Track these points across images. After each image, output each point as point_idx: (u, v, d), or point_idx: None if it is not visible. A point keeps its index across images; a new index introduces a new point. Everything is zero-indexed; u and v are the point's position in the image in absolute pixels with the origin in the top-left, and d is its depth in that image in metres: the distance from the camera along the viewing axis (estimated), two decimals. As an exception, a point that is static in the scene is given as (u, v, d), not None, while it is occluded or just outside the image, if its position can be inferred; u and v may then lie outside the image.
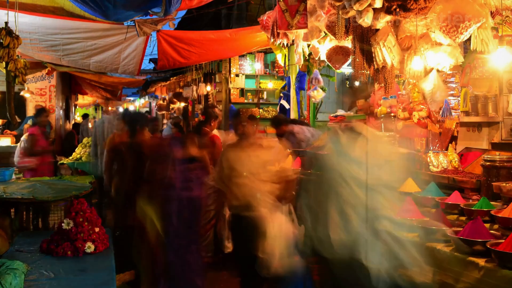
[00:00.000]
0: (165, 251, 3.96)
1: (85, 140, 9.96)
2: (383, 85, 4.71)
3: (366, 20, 3.83)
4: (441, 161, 4.05)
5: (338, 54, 5.57)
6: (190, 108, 16.32)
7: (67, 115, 14.48)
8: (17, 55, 5.45)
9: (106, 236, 3.52)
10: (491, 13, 3.89)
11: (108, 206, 9.69)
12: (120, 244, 4.17)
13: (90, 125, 12.07)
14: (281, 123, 6.39)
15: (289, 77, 8.58)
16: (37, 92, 11.92)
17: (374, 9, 3.85)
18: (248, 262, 3.84)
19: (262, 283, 3.96)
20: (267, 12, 5.97)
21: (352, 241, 2.96)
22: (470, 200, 3.50)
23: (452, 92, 4.66)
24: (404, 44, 4.57)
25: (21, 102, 11.42)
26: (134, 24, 6.79)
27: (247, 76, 12.33)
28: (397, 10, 3.76)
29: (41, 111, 7.80)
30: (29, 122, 10.93)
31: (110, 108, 11.25)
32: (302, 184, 4.34)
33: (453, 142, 4.42)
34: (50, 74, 11.94)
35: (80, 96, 17.82)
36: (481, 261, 2.68)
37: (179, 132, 8.36)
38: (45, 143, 7.38)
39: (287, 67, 8.65)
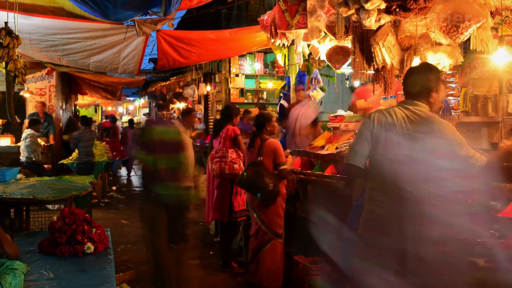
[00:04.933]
0: None
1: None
2: (382, 85, 4.71)
3: (372, 21, 3.82)
4: (441, 161, 4.05)
5: (338, 54, 5.56)
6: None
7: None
8: (17, 55, 5.45)
9: (106, 236, 3.52)
10: (491, 13, 3.89)
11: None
12: None
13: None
14: None
15: (289, 77, 8.57)
16: (37, 92, 11.92)
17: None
18: None
19: None
20: (267, 12, 5.97)
21: None
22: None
23: (452, 92, 4.66)
24: (404, 44, 4.57)
25: (21, 102, 11.42)
26: (133, 24, 6.78)
27: (247, 76, 12.34)
28: (397, 10, 3.76)
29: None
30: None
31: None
32: None
33: (453, 142, 4.41)
34: (50, 74, 11.94)
35: (80, 96, 17.83)
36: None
37: None
38: None
39: (287, 67, 8.64)
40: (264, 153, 4.92)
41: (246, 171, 4.90)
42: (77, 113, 14.88)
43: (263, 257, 4.91)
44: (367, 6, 3.63)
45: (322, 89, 7.74)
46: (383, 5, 3.69)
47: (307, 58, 7.56)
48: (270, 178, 4.80)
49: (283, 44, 5.95)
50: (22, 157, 8.91)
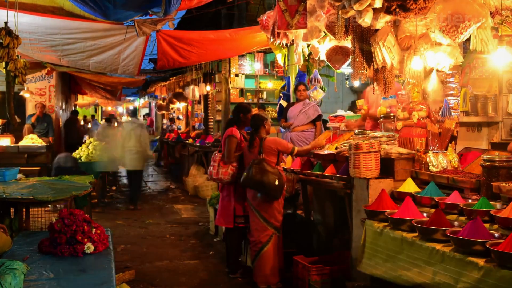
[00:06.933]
0: None
1: (87, 140, 9.96)
2: (382, 85, 4.71)
3: (366, 20, 3.83)
4: (441, 161, 4.05)
5: (337, 54, 5.57)
6: (190, 108, 16.33)
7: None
8: (17, 55, 5.45)
9: (106, 236, 3.52)
10: (491, 13, 3.89)
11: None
12: None
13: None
14: None
15: (289, 77, 8.58)
16: (37, 92, 11.94)
17: (374, 9, 3.85)
18: None
19: None
20: (267, 12, 5.97)
21: None
22: (470, 200, 3.50)
23: (451, 92, 4.66)
24: (404, 44, 4.57)
25: (21, 102, 11.43)
26: (133, 24, 6.78)
27: (247, 76, 12.34)
28: (397, 10, 3.76)
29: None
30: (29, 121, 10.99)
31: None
32: None
33: (453, 142, 4.42)
34: (50, 74, 11.95)
35: (80, 96, 17.85)
36: (481, 261, 2.68)
37: None
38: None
39: (286, 67, 8.65)
40: (265, 150, 5.04)
41: (250, 170, 4.95)
42: (76, 113, 14.86)
43: (265, 257, 4.97)
44: (356, 7, 3.66)
45: (322, 89, 7.76)
46: (377, 4, 3.69)
47: (307, 58, 7.57)
48: (274, 174, 4.92)
49: (283, 44, 5.95)
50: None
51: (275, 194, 4.95)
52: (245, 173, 5.03)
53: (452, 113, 4.46)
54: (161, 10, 5.50)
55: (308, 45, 6.15)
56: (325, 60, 5.85)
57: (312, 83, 7.65)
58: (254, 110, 9.59)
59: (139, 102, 29.20)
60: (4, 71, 5.47)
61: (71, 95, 15.66)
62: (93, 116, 22.45)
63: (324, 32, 5.25)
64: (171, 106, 17.85)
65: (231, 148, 5.41)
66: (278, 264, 5.06)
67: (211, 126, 13.67)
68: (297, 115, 7.41)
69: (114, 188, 12.15)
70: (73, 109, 15.71)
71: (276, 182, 4.90)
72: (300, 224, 5.70)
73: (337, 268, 4.58)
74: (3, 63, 5.35)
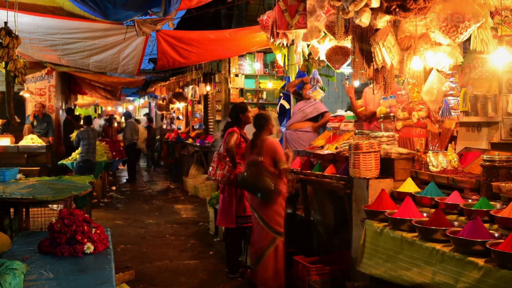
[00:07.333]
0: None
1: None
2: (382, 85, 4.71)
3: (363, 20, 3.84)
4: (441, 161, 4.05)
5: (337, 54, 5.56)
6: (190, 108, 16.31)
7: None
8: (17, 55, 5.45)
9: (106, 236, 3.52)
10: (491, 13, 3.89)
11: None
12: None
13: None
14: None
15: (288, 77, 8.57)
16: (37, 92, 11.94)
17: (373, 9, 3.86)
18: None
19: None
20: (266, 12, 5.96)
21: None
22: (470, 200, 3.50)
23: (451, 92, 4.66)
24: (403, 44, 4.57)
25: (21, 102, 11.43)
26: (133, 24, 6.78)
27: (247, 76, 12.34)
28: (397, 10, 3.76)
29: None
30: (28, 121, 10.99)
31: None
32: None
33: (453, 142, 4.42)
34: (50, 74, 11.95)
35: (79, 96, 17.83)
36: (481, 261, 2.68)
37: None
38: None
39: (286, 67, 8.64)
40: (264, 152, 4.95)
41: (246, 171, 4.91)
42: (72, 113, 14.84)
43: (267, 260, 4.87)
44: (351, 8, 3.68)
45: (322, 89, 7.75)
46: (374, 4, 3.70)
47: (307, 58, 7.57)
48: (271, 178, 4.82)
49: (283, 44, 5.95)
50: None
51: (268, 199, 4.83)
52: (241, 174, 5.02)
53: (452, 113, 4.46)
54: (161, 10, 5.50)
55: (308, 45, 6.14)
56: (325, 60, 5.84)
57: (311, 83, 7.65)
58: (254, 110, 9.61)
59: (139, 102, 29.19)
60: (4, 71, 5.47)
61: (71, 95, 15.65)
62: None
63: (324, 32, 5.24)
64: (171, 106, 17.84)
65: (230, 139, 5.44)
66: (282, 268, 4.92)
67: (211, 126, 13.67)
68: (296, 113, 7.41)
69: (114, 188, 12.16)
70: (71, 107, 15.64)
71: (271, 187, 4.77)
72: (300, 224, 5.70)
73: (337, 268, 4.58)
74: (3, 63, 5.35)
